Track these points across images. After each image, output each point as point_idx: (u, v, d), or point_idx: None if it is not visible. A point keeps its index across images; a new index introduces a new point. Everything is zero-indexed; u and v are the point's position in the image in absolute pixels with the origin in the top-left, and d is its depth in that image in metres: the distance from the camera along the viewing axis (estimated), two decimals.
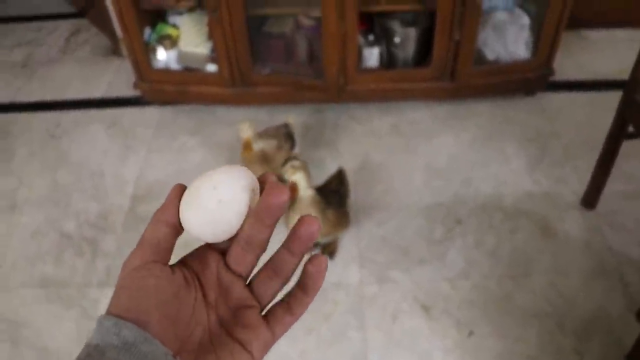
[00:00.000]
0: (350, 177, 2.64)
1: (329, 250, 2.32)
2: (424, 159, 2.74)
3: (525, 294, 2.21)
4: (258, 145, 2.34)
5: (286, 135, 2.44)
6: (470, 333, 2.12)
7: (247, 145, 2.36)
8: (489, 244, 2.38)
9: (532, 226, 2.43)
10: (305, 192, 2.05)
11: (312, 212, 2.04)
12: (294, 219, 2.08)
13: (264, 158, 2.35)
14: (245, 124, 2.34)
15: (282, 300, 0.55)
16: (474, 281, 2.26)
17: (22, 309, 2.30)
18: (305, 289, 0.53)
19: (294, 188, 2.55)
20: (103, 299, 2.30)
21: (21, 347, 2.18)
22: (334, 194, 2.21)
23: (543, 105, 2.97)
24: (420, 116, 2.96)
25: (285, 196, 0.50)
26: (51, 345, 2.18)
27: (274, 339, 0.54)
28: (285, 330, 0.55)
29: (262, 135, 2.40)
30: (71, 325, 2.23)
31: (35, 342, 2.19)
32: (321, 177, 2.65)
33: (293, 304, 0.55)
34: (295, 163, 2.02)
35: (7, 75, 3.46)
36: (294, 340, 2.12)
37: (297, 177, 2.01)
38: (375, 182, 2.65)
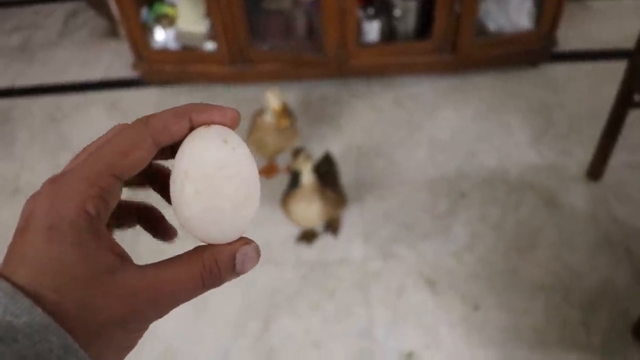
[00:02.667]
0: (352, 153, 2.63)
1: (333, 228, 2.30)
2: (426, 133, 2.70)
3: (531, 266, 2.19)
4: (269, 119, 2.28)
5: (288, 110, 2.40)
6: (476, 307, 2.10)
7: (283, 113, 2.20)
8: (494, 217, 2.35)
9: (537, 199, 2.40)
10: (309, 179, 2.02)
11: (314, 197, 2.03)
12: (296, 207, 2.06)
13: (275, 129, 2.29)
14: (272, 91, 2.21)
15: None
16: (479, 255, 2.23)
17: None
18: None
19: (273, 166, 2.55)
20: None
21: None
22: (326, 175, 2.18)
23: (547, 77, 2.92)
24: (422, 90, 2.91)
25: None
26: None
27: None
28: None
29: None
30: None
31: None
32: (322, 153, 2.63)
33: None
34: (308, 154, 2.00)
35: (5, 59, 3.42)
36: (299, 318, 2.11)
37: (307, 168, 1.99)
38: (378, 157, 2.61)
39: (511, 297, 2.12)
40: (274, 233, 2.36)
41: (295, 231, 2.34)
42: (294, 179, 2.09)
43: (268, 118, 2.28)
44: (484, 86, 2.91)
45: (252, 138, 2.35)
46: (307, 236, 2.30)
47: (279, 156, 2.44)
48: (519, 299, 2.11)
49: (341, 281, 2.20)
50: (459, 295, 2.13)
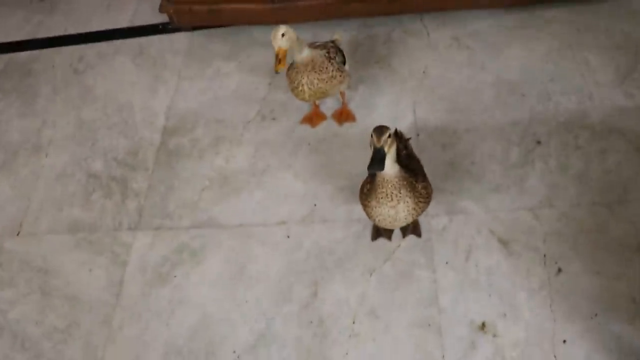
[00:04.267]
0: (408, 98, 2.33)
1: (415, 226, 1.95)
2: (491, 73, 2.38)
3: (623, 223, 1.87)
4: (305, 54, 1.98)
5: (335, 49, 2.10)
6: (559, 270, 1.80)
7: (277, 57, 1.91)
8: (576, 167, 2.03)
9: (627, 145, 2.06)
10: (393, 168, 1.61)
11: (404, 192, 1.63)
12: (380, 208, 1.65)
13: (313, 67, 2.01)
14: (279, 29, 1.88)
15: None
16: (561, 210, 1.93)
17: (50, 256, 2.09)
18: None
19: (317, 114, 2.27)
20: (136, 243, 2.06)
21: (52, 297, 1.98)
22: (408, 160, 1.79)
23: (632, 7, 2.54)
24: (484, 27, 2.58)
25: None
26: (82, 294, 1.97)
27: None
28: None
29: (310, 45, 2.05)
30: (102, 272, 2.01)
31: (66, 291, 1.99)
32: (375, 99, 2.34)
33: None
34: (391, 134, 1.55)
35: (25, 11, 3.19)
36: (351, 282, 1.85)
37: (392, 151, 1.57)
38: (437, 101, 2.31)
39: (601, 259, 1.81)
40: (321, 187, 2.09)
41: (347, 184, 2.07)
42: (375, 163, 1.56)
43: (298, 56, 1.98)
44: (556, 21, 2.55)
45: (288, 79, 2.07)
46: (386, 232, 1.96)
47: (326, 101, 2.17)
48: (610, 261, 1.80)
49: (400, 240, 1.92)
50: (538, 257, 1.84)
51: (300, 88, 2.03)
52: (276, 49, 1.89)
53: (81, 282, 2.00)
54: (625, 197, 1.93)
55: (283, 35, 1.87)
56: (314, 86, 2.02)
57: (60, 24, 3.06)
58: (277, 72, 1.93)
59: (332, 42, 2.19)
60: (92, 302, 1.94)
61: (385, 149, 1.52)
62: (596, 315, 1.71)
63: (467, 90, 2.33)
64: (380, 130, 1.54)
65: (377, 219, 1.69)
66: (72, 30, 3.01)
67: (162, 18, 2.83)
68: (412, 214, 1.68)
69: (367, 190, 1.70)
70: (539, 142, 2.12)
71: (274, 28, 1.88)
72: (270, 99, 2.44)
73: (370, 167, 1.51)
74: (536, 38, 2.49)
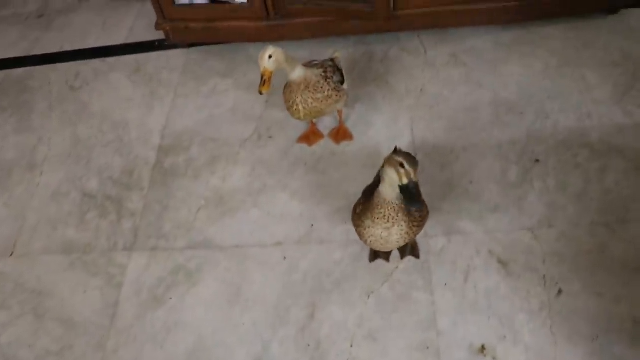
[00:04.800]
0: (405, 116, 2.32)
1: (414, 247, 1.94)
2: (489, 91, 2.38)
3: (623, 244, 1.86)
4: (297, 74, 1.98)
5: (333, 68, 2.09)
6: (559, 292, 1.78)
7: (262, 79, 1.89)
8: (575, 186, 2.02)
9: (626, 164, 2.05)
10: (393, 193, 1.56)
11: (401, 216, 1.60)
12: (374, 229, 1.62)
13: (307, 86, 1.99)
14: (266, 50, 1.86)
15: None
16: (560, 230, 1.92)
17: (44, 277, 2.06)
18: None
19: (314, 132, 2.26)
20: (131, 264, 2.03)
21: (45, 319, 1.95)
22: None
23: (630, 24, 2.54)
24: (481, 43, 2.58)
25: None
26: (76, 316, 1.94)
27: None
28: None
29: (306, 64, 2.04)
30: (96, 294, 1.98)
31: (59, 313, 1.96)
32: (372, 117, 2.33)
33: None
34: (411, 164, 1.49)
35: (22, 27, 3.19)
36: (349, 304, 1.83)
37: (394, 177, 1.51)
38: (435, 119, 2.30)
39: (601, 280, 1.79)
40: (318, 207, 2.08)
41: (344, 204, 2.05)
42: (374, 187, 1.62)
43: (291, 76, 1.97)
44: (553, 37, 2.55)
45: (284, 97, 2.06)
46: (384, 253, 1.93)
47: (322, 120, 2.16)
48: (611, 282, 1.78)
49: (398, 262, 1.90)
50: (538, 278, 1.82)
51: (294, 107, 2.02)
52: (262, 69, 1.87)
53: (75, 304, 1.97)
54: (625, 216, 1.92)
55: (270, 57, 1.85)
56: (308, 105, 2.01)
57: (57, 41, 3.05)
58: (260, 93, 1.91)
59: (332, 60, 2.18)
60: (86, 324, 1.92)
61: (394, 179, 1.48)
62: (597, 337, 1.69)
63: (465, 108, 2.32)
64: (415, 161, 1.48)
65: (369, 240, 1.67)
66: (68, 47, 3.00)
67: (159, 35, 2.82)
68: (405, 238, 1.65)
69: (361, 211, 1.68)
70: (537, 161, 2.11)
71: (262, 49, 1.87)
72: (267, 117, 2.42)
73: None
74: (534, 55, 2.49)
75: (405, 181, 1.47)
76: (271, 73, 1.88)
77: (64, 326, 1.92)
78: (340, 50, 2.37)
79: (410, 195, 1.48)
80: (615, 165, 2.05)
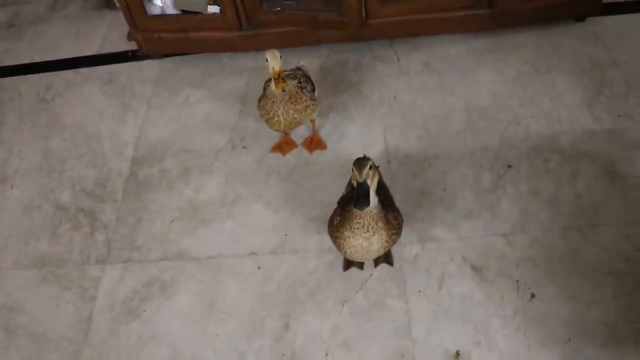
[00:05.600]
0: (379, 124, 2.34)
1: (388, 256, 1.95)
2: (462, 98, 2.40)
3: (595, 248, 1.89)
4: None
5: (304, 77, 2.11)
6: (532, 296, 1.81)
7: (279, 77, 1.92)
8: (547, 191, 2.05)
9: (596, 169, 2.09)
10: (374, 200, 1.58)
11: (381, 225, 1.61)
12: (354, 240, 1.62)
13: (290, 97, 2.01)
14: (272, 52, 1.92)
15: None
16: (533, 235, 1.94)
17: (16, 292, 2.04)
18: None
19: (288, 142, 2.28)
20: (104, 277, 2.02)
21: (17, 335, 1.92)
22: (380, 192, 1.72)
23: (596, 32, 2.59)
24: (454, 51, 2.61)
25: None
26: (48, 331, 1.92)
27: None
28: None
29: None
30: (69, 308, 1.96)
31: (31, 329, 1.94)
32: (346, 126, 2.34)
33: None
34: (374, 164, 1.55)
35: None
36: (324, 314, 1.84)
37: (374, 182, 1.56)
38: (408, 127, 2.33)
39: (574, 284, 1.82)
40: (292, 216, 2.09)
41: (318, 213, 2.06)
42: (349, 197, 1.62)
43: (275, 86, 1.98)
44: (524, 44, 2.59)
45: (261, 110, 2.07)
46: (358, 264, 1.93)
47: (296, 130, 2.17)
48: (583, 286, 1.81)
49: (372, 270, 1.91)
50: (511, 283, 1.84)
51: (275, 119, 2.03)
52: (277, 68, 1.90)
53: (48, 319, 1.95)
54: (596, 221, 1.95)
55: (281, 56, 1.91)
56: (289, 116, 2.03)
57: (27, 52, 3.03)
58: (283, 90, 1.95)
59: (299, 69, 2.20)
60: (59, 339, 1.90)
61: (369, 182, 1.50)
62: (570, 340, 1.71)
63: (438, 116, 2.35)
64: (360, 163, 1.52)
65: (348, 251, 1.67)
66: (39, 57, 2.98)
67: (131, 45, 2.82)
68: (385, 246, 1.66)
69: (339, 222, 1.68)
70: (509, 167, 2.13)
71: (269, 52, 1.91)
72: (241, 127, 2.43)
73: (356, 204, 1.49)
74: (505, 62, 2.53)
75: (354, 182, 1.52)
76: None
77: (36, 342, 1.90)
78: (305, 59, 2.38)
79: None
80: (586, 170, 2.09)
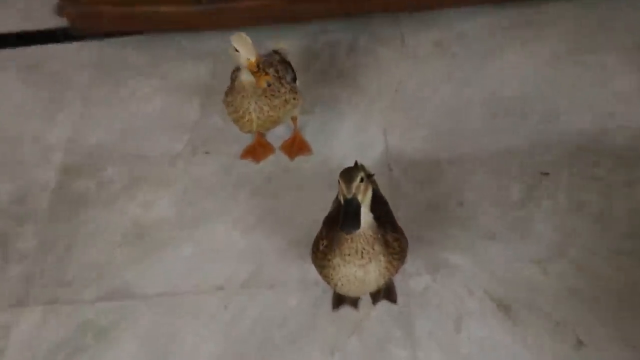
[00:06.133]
0: (378, 122, 2.37)
1: (390, 290, 1.94)
2: (483, 87, 2.44)
3: None
4: (248, 77, 1.98)
5: (282, 63, 2.11)
6: (579, 343, 1.79)
7: (260, 69, 1.91)
8: (594, 206, 2.06)
9: None
10: (367, 217, 1.57)
11: (378, 248, 1.59)
12: (345, 269, 1.60)
13: (264, 90, 2.00)
14: (239, 36, 1.91)
15: None
16: (575, 261, 1.94)
17: None
18: None
19: (264, 145, 2.29)
20: (20, 324, 1.97)
21: None
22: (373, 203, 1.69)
23: None
24: (474, 28, 2.66)
25: None
26: None
27: None
28: None
29: None
30: None
31: None
32: (336, 124, 2.36)
33: None
34: (369, 173, 1.60)
35: None
36: None
37: (367, 197, 1.55)
38: (415, 124, 2.36)
39: (632, 326, 1.80)
40: (267, 240, 2.09)
41: (301, 235, 2.05)
42: (348, 220, 1.53)
43: (245, 76, 1.98)
44: (563, 17, 2.64)
45: (229, 106, 2.07)
46: (351, 300, 1.93)
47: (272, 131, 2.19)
48: None
49: (369, 309, 1.90)
50: (549, 325, 1.82)
51: (246, 118, 2.04)
52: (253, 59, 1.89)
53: None
54: None
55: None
56: (263, 114, 2.03)
57: None
58: (268, 85, 1.96)
59: (276, 52, 2.21)
60: None
61: (359, 198, 1.48)
62: None
63: (452, 111, 2.38)
64: (349, 174, 1.50)
65: (339, 284, 1.65)
66: None
67: (62, 22, 2.83)
68: (384, 275, 1.65)
69: (325, 247, 1.66)
70: (544, 174, 2.15)
71: (236, 34, 1.91)
72: (204, 125, 2.45)
73: (343, 226, 1.47)
74: (538, 40, 2.58)
75: (341, 199, 1.49)
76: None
77: None
78: (285, 40, 2.40)
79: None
80: None
